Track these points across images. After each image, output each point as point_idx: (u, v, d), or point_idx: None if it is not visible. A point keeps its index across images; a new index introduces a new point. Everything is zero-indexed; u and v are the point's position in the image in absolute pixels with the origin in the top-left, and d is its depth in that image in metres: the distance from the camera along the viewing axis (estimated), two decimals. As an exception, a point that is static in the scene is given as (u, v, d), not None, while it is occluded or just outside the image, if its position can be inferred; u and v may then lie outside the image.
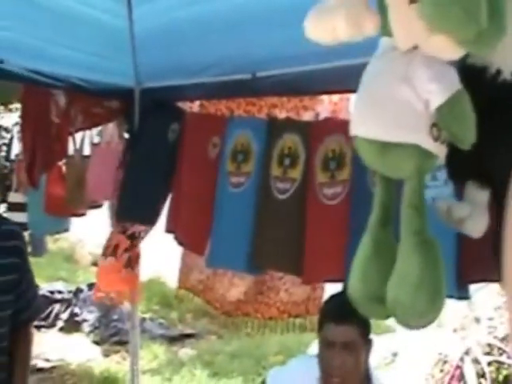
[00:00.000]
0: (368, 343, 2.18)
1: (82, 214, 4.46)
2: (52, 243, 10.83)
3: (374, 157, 1.17)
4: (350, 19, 1.15)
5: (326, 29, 1.18)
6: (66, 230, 4.80)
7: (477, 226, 1.32)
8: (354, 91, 2.76)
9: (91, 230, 9.32)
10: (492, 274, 2.34)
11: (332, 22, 1.16)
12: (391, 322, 1.33)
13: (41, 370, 5.58)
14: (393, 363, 5.51)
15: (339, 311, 2.08)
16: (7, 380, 2.46)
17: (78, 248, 11.84)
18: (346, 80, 2.57)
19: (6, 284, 2.38)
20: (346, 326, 2.08)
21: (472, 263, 2.09)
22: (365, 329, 2.14)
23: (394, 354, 5.55)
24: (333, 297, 2.27)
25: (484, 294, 4.42)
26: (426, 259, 1.13)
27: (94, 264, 10.69)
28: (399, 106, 1.12)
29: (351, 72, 2.41)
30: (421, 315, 1.16)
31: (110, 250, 3.19)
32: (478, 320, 4.85)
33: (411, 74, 1.11)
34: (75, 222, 4.86)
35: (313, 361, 2.20)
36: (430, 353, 4.92)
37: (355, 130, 1.20)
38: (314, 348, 4.82)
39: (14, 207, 4.98)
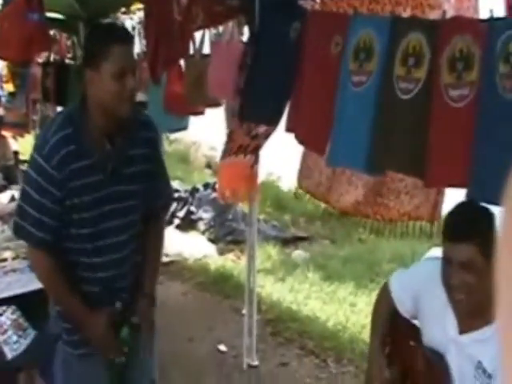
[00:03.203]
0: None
1: (201, 113, 4.52)
2: (167, 145, 11.10)
3: None
4: None
5: None
6: (185, 128, 4.91)
7: None
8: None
9: (205, 133, 9.48)
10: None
11: None
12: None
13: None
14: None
15: (456, 229, 2.01)
16: (142, 263, 2.57)
17: (192, 150, 12.11)
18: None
19: (139, 174, 2.42)
20: (462, 245, 1.98)
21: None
22: (487, 247, 1.93)
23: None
24: (452, 213, 2.13)
25: None
26: None
27: (208, 166, 10.95)
28: None
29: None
30: None
31: (234, 149, 3.19)
32: None
33: None
34: (190, 125, 4.96)
35: (439, 263, 2.12)
36: None
37: None
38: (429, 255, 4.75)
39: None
